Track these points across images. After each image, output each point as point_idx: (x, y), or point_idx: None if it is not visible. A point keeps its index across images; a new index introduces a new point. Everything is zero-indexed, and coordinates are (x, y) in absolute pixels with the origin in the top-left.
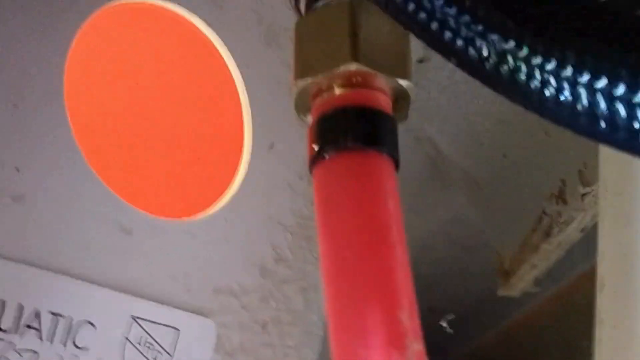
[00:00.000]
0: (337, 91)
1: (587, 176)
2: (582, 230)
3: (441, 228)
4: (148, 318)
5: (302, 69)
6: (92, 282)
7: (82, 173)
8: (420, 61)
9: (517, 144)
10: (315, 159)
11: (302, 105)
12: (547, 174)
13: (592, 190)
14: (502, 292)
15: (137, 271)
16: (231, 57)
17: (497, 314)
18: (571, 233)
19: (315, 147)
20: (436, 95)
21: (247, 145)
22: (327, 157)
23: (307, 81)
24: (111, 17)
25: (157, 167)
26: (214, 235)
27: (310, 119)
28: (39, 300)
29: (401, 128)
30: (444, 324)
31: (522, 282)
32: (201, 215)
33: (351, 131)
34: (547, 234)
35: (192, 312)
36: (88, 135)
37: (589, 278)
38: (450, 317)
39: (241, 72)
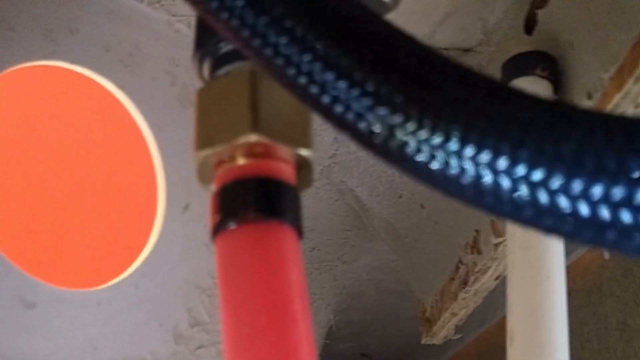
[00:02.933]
0: (239, 162)
1: (499, 226)
2: (497, 278)
3: (370, 275)
4: None
5: (203, 139)
6: None
7: None
8: None
9: (433, 195)
10: (217, 230)
11: (204, 175)
12: (462, 224)
13: (505, 240)
14: (425, 340)
15: (42, 346)
16: (144, 120)
17: (427, 356)
18: (487, 281)
19: (217, 218)
20: (356, 149)
21: (161, 208)
22: (228, 228)
23: (208, 152)
24: (13, 81)
25: (63, 237)
26: (124, 303)
27: (213, 188)
28: None
29: (324, 181)
30: None
31: (443, 330)
32: (110, 283)
33: (252, 203)
34: (464, 283)
35: None
36: None
37: None
38: None
39: (155, 134)
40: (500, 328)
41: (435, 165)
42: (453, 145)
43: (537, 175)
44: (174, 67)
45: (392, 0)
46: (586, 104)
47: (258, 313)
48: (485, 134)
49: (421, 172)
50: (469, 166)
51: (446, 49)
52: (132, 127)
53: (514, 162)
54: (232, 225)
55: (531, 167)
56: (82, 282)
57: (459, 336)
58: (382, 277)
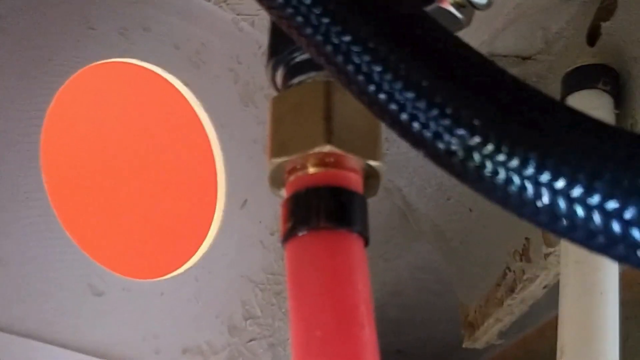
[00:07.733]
0: (311, 170)
1: (551, 236)
2: (545, 287)
3: (410, 274)
4: None
5: (278, 148)
6: (62, 345)
7: (57, 237)
8: None
9: (483, 200)
10: (288, 235)
11: (276, 180)
12: (512, 230)
13: (555, 250)
14: (467, 344)
15: (107, 333)
16: (207, 116)
17: (463, 358)
18: (535, 290)
19: (289, 224)
20: (406, 150)
21: (220, 203)
22: (299, 234)
23: (282, 160)
24: (90, 78)
25: (130, 228)
26: (184, 295)
27: (283, 193)
28: None
29: None
30: None
31: (486, 335)
32: (172, 275)
33: (323, 211)
34: (511, 290)
35: None
36: (63, 199)
37: (552, 326)
38: None
39: (217, 131)
40: (541, 334)
41: (511, 189)
42: (529, 170)
43: (611, 205)
44: (237, 64)
45: (466, 18)
46: None
47: (328, 318)
48: (562, 161)
49: (497, 195)
50: (545, 192)
51: (505, 56)
52: (195, 124)
53: (588, 191)
54: (304, 232)
55: (606, 197)
56: (146, 273)
57: (501, 342)
58: (422, 276)
